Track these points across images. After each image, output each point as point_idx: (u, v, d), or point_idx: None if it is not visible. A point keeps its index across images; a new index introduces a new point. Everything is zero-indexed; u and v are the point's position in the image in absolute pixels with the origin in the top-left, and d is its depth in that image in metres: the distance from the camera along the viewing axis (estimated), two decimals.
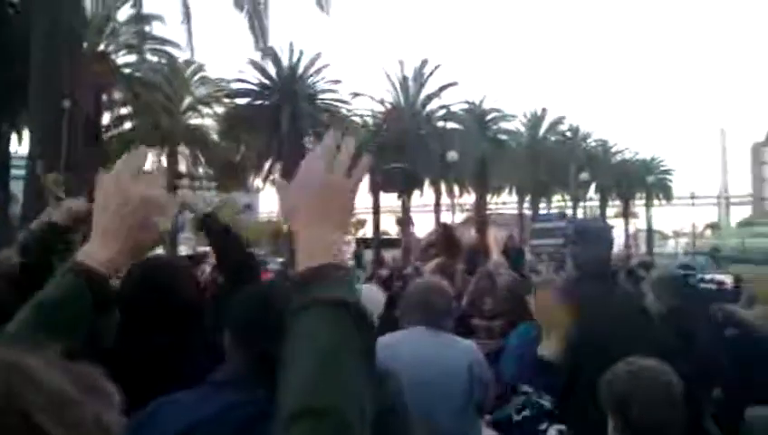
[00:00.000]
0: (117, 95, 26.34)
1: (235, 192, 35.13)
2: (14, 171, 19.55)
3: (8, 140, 20.35)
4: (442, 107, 35.09)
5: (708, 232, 56.10)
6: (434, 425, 2.36)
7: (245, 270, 2.32)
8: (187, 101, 31.58)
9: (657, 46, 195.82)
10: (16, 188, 16.24)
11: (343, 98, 33.84)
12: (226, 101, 33.06)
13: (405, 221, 29.61)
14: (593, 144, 47.10)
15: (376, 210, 35.61)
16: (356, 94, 34.32)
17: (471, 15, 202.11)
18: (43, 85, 12.26)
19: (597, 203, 49.23)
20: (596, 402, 1.92)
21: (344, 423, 0.73)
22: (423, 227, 28.00)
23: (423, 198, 36.95)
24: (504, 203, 47.11)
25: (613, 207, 52.35)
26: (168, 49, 26.90)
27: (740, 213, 60.25)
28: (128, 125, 28.98)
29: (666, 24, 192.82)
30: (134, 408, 0.99)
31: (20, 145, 22.13)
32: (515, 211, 43.78)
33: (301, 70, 33.10)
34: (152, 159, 24.81)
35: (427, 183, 35.34)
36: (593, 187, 45.42)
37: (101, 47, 25.24)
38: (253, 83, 32.87)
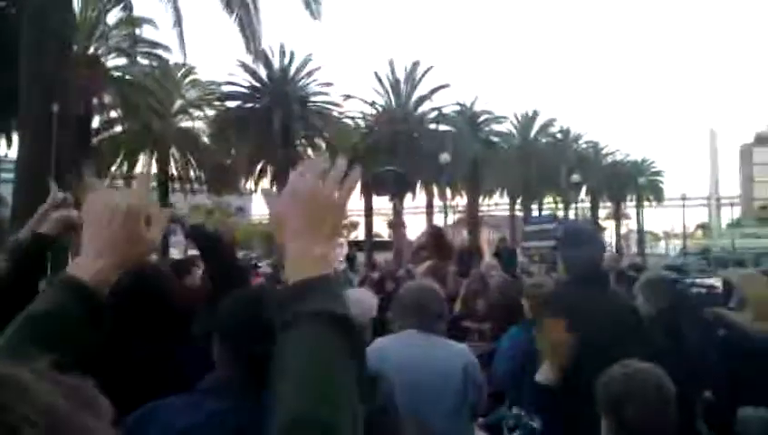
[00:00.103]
0: (107, 98, 26.20)
1: (227, 195, 34.99)
2: (3, 175, 19.44)
3: None
4: (434, 109, 35.11)
5: (699, 233, 56.55)
6: (427, 426, 2.36)
7: (234, 277, 2.32)
8: (178, 103, 31.45)
9: (648, 48, 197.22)
10: (5, 191, 16.14)
11: (335, 100, 33.90)
12: (217, 103, 32.95)
13: (396, 224, 29.59)
14: (584, 146, 47.33)
15: (368, 213, 35.56)
16: (348, 97, 34.39)
17: (463, 18, 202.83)
18: (33, 89, 12.18)
19: (588, 205, 49.45)
20: (589, 401, 1.93)
21: (337, 433, 0.73)
22: (415, 229, 28.04)
23: (415, 200, 37.03)
24: (497, 205, 47.25)
25: (604, 209, 52.66)
26: (159, 52, 26.91)
27: (730, 214, 60.77)
28: (118, 128, 28.88)
29: (656, 27, 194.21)
30: (123, 417, 0.98)
31: (9, 148, 22.07)
32: (507, 213, 43.86)
33: (292, 72, 33.10)
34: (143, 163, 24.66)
35: (419, 185, 35.36)
36: (584, 188, 45.56)
37: (92, 50, 25.14)
38: (244, 86, 32.86)
